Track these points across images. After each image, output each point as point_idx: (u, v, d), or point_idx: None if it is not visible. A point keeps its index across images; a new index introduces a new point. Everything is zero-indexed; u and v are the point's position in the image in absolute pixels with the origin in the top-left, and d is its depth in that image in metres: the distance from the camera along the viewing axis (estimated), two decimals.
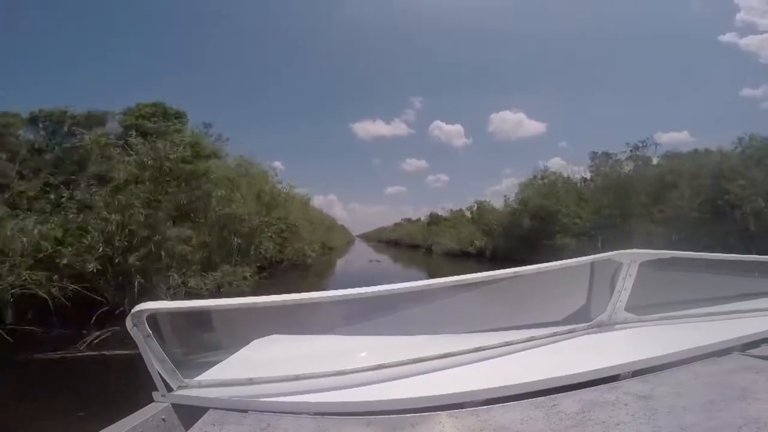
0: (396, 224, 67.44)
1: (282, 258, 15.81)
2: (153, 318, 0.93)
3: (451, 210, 39.63)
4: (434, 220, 43.33)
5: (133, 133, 10.71)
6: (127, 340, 0.97)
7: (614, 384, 0.98)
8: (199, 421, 0.88)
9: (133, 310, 0.89)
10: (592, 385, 0.97)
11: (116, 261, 8.03)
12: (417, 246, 41.53)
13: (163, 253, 8.53)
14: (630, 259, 1.29)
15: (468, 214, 34.90)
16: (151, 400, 0.95)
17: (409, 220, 61.45)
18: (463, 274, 1.14)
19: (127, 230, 8.20)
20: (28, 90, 31.47)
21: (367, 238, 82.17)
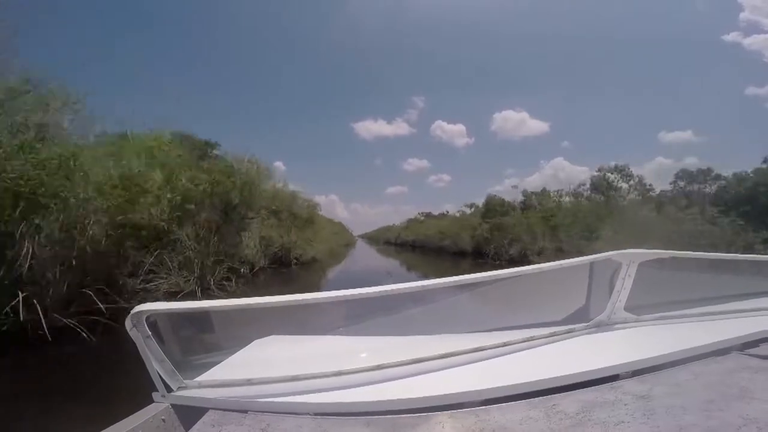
0: (410, 220, 53.55)
1: None
2: (152, 319, 0.93)
3: (524, 190, 23.17)
4: (496, 208, 23.85)
5: None
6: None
7: (614, 384, 0.98)
8: (199, 421, 0.88)
9: (132, 311, 0.89)
10: (592, 385, 0.97)
11: None
12: (463, 253, 24.23)
13: None
14: (629, 259, 1.29)
15: (585, 193, 20.22)
16: (151, 401, 0.95)
17: (428, 215, 48.16)
18: None
19: None
20: None
21: (369, 239, 77.37)
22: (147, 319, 0.91)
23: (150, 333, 0.92)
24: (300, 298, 1.02)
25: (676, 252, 1.39)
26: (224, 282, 8.90)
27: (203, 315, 1.15)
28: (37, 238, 5.33)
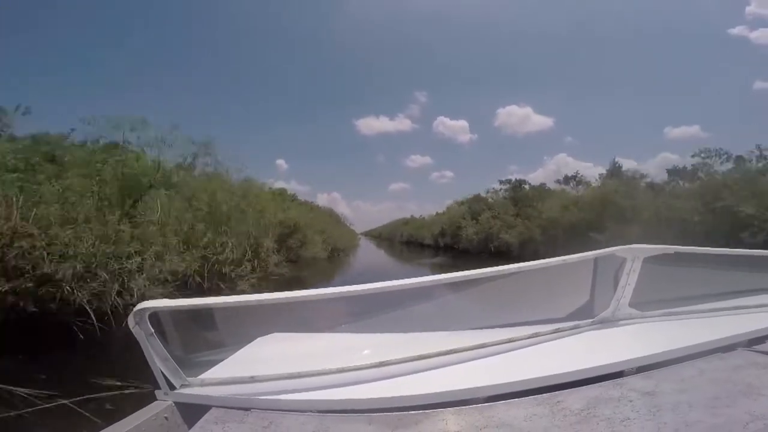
0: (464, 201, 31.56)
1: None
2: (155, 316, 0.93)
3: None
4: None
5: None
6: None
7: (619, 380, 0.97)
8: (202, 419, 0.88)
9: (135, 309, 0.89)
10: (597, 382, 0.96)
11: None
12: None
13: None
14: (633, 254, 1.28)
15: None
16: (154, 399, 0.95)
17: (499, 190, 27.25)
18: None
19: None
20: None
21: (376, 237, 70.61)
22: (150, 316, 0.91)
23: (153, 330, 0.92)
24: (303, 295, 1.02)
25: (680, 247, 1.38)
26: None
27: (206, 312, 1.15)
28: None
